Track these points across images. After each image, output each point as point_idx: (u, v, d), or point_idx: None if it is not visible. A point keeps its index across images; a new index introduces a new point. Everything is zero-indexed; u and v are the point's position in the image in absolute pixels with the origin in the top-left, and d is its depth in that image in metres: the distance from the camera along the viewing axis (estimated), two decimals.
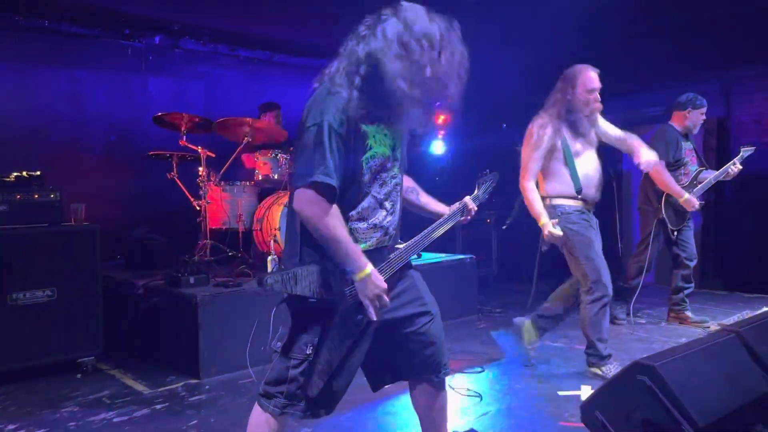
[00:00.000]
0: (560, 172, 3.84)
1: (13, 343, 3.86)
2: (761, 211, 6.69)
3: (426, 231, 2.29)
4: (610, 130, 3.98)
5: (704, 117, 5.09)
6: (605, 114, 4.01)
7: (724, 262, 6.94)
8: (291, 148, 5.50)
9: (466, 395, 3.63)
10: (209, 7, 6.18)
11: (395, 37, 1.94)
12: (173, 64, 6.72)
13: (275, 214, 4.98)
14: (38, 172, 4.19)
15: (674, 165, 4.95)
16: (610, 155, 5.29)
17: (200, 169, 5.14)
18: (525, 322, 4.18)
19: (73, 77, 6.08)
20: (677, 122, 5.07)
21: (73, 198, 4.33)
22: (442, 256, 5.83)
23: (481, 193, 2.54)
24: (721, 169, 4.97)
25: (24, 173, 4.13)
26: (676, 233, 4.99)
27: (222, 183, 5.32)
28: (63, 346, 4.06)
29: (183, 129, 5.15)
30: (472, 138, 8.29)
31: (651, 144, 4.69)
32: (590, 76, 3.79)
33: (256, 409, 2.14)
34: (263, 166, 5.39)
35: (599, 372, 3.86)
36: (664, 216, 4.90)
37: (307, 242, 2.04)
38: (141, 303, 4.68)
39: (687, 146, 5.05)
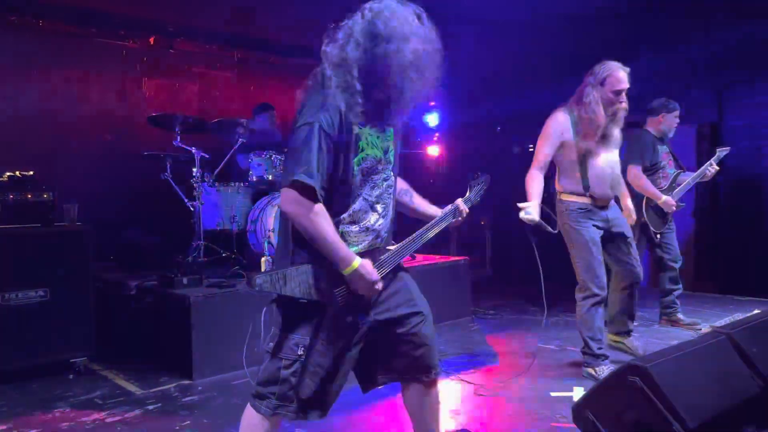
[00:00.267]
0: (571, 168, 3.86)
1: (5, 343, 3.84)
2: (754, 215, 6.73)
3: (418, 233, 2.29)
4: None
5: (678, 120, 5.13)
6: None
7: (717, 265, 6.97)
8: (285, 149, 5.51)
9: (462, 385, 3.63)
10: (204, 8, 6.18)
11: (384, 36, 1.94)
12: (168, 65, 6.71)
13: (269, 216, 4.98)
14: (31, 172, 4.18)
15: (651, 169, 4.99)
16: None
17: (194, 169, 5.14)
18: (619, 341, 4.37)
19: (67, 77, 6.06)
20: (653, 127, 5.11)
21: (66, 198, 4.32)
22: (435, 258, 5.83)
23: (473, 195, 2.54)
24: (698, 171, 5.01)
25: (17, 173, 4.11)
26: (659, 236, 5.03)
27: (216, 184, 5.31)
28: (55, 347, 4.04)
29: (177, 129, 5.14)
30: (466, 140, 8.32)
31: (628, 149, 4.74)
32: (618, 77, 3.74)
33: (249, 410, 2.15)
34: (257, 167, 5.39)
35: (593, 372, 3.87)
36: (646, 219, 4.93)
37: (298, 242, 2.04)
38: (134, 303, 4.67)
39: (663, 150, 5.09)
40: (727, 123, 6.98)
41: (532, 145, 8.28)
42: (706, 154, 6.93)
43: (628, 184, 4.85)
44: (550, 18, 6.80)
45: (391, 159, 2.18)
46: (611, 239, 3.98)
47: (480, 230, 7.71)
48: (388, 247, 2.20)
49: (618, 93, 3.75)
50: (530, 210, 3.57)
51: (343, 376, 2.13)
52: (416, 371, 2.25)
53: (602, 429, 2.27)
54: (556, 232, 3.72)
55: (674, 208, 4.89)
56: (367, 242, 2.12)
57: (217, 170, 5.31)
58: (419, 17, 2.02)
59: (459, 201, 2.44)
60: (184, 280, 4.38)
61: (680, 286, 5.19)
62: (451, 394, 3.69)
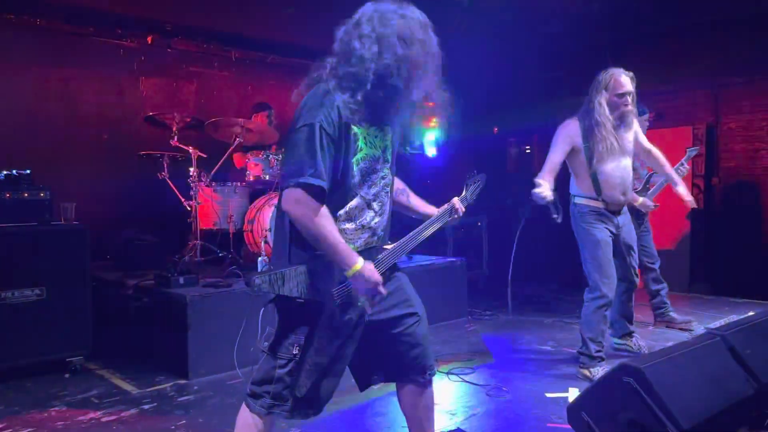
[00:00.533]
0: (583, 173, 3.96)
1: (2, 342, 3.84)
2: (748, 217, 6.76)
3: (414, 232, 2.30)
4: (640, 138, 4.11)
5: (648, 123, 5.16)
6: None
7: (712, 267, 7.00)
8: (283, 149, 5.51)
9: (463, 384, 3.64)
10: (202, 7, 6.18)
11: (385, 35, 1.95)
12: (165, 64, 6.71)
13: (266, 215, 4.98)
14: (28, 171, 4.17)
15: None
16: None
17: (191, 169, 5.14)
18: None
19: (64, 75, 6.05)
20: None
21: (63, 197, 4.32)
22: (432, 259, 5.84)
23: (469, 194, 2.55)
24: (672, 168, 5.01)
25: (14, 171, 4.11)
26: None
27: (213, 183, 5.31)
28: (51, 346, 4.04)
29: (174, 129, 5.14)
30: (463, 141, 8.33)
31: None
32: (620, 81, 3.82)
33: (244, 409, 2.15)
34: (254, 166, 5.39)
35: (588, 374, 3.89)
36: None
37: (296, 242, 2.05)
38: (130, 303, 4.67)
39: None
40: (723, 125, 7.00)
41: (528, 147, 8.33)
42: (702, 156, 6.98)
43: None
44: (545, 23, 6.82)
45: (389, 158, 2.19)
46: (617, 244, 4.06)
47: (476, 231, 7.72)
48: (384, 246, 2.21)
49: (621, 96, 3.82)
50: (543, 188, 3.72)
51: (338, 375, 2.14)
52: (411, 372, 2.27)
53: (597, 429, 2.29)
54: (560, 221, 3.74)
55: (651, 208, 4.94)
56: (362, 240, 2.13)
57: (214, 170, 5.31)
58: (422, 22, 2.03)
59: (455, 200, 2.46)
60: (181, 280, 4.38)
61: (665, 284, 5.22)
62: (447, 394, 3.70)
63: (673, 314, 5.22)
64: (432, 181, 7.92)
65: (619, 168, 3.91)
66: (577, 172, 4.01)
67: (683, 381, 2.26)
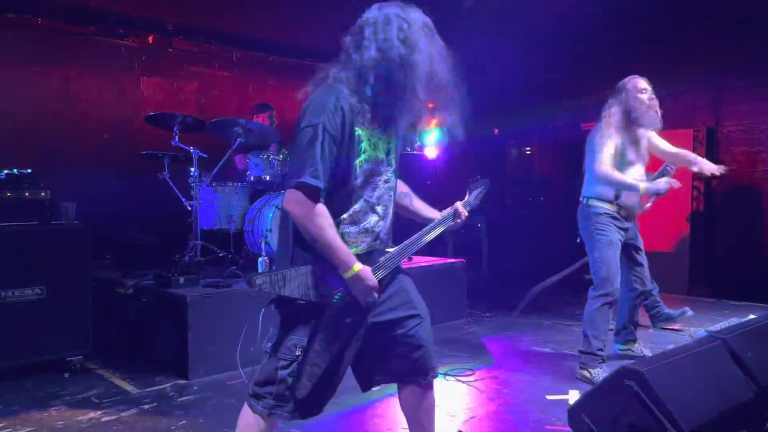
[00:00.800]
0: None
1: (1, 341, 3.84)
2: (748, 220, 6.76)
3: (416, 235, 2.29)
4: (662, 144, 4.17)
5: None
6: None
7: (712, 270, 7.00)
8: (284, 150, 5.51)
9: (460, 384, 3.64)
10: (203, 7, 6.19)
11: (390, 38, 1.97)
12: (166, 64, 6.71)
13: (266, 216, 4.98)
14: (29, 170, 4.17)
15: None
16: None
17: (192, 169, 5.13)
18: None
19: (65, 75, 6.05)
20: None
21: (64, 196, 4.31)
22: (432, 260, 5.84)
23: (473, 198, 2.53)
24: (658, 171, 4.98)
25: (15, 171, 4.11)
26: None
27: (213, 183, 5.31)
28: (51, 345, 4.04)
29: (175, 129, 5.14)
30: (463, 142, 8.32)
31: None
32: (639, 80, 4.02)
33: (245, 410, 2.15)
34: (255, 167, 5.39)
35: (588, 375, 3.89)
36: None
37: (299, 243, 2.05)
38: (130, 303, 4.66)
39: None
40: (724, 128, 7.01)
41: (528, 148, 8.34)
42: (703, 157, 6.97)
43: None
44: (548, 24, 6.82)
45: (393, 161, 2.19)
46: (626, 249, 4.12)
47: (476, 232, 7.72)
48: (387, 250, 2.21)
49: (643, 91, 3.97)
50: (661, 182, 3.87)
51: (340, 376, 2.14)
52: (413, 373, 2.26)
53: None
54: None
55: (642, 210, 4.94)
56: (365, 244, 2.13)
57: (215, 170, 5.30)
58: (425, 24, 2.05)
59: (458, 204, 2.43)
60: (181, 280, 4.38)
61: (656, 285, 5.20)
62: (447, 395, 3.69)
63: (667, 311, 5.20)
64: (432, 182, 7.93)
65: (638, 173, 4.03)
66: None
67: (684, 384, 2.26)
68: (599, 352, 3.92)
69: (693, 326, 5.16)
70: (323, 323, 2.02)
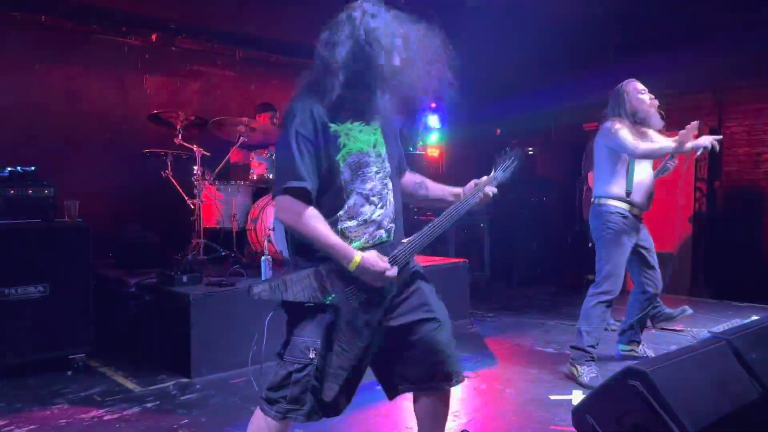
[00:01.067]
0: (619, 172, 3.99)
1: (4, 338, 3.84)
2: (751, 221, 6.76)
3: (431, 224, 2.17)
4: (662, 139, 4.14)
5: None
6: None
7: (714, 271, 7.00)
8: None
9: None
10: (207, 6, 6.18)
11: (353, 34, 2.00)
12: (169, 63, 6.71)
13: (269, 214, 4.98)
14: (32, 168, 4.17)
15: None
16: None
17: (195, 167, 5.14)
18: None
19: (68, 73, 6.05)
20: None
21: (67, 194, 4.32)
22: (435, 260, 5.84)
23: (500, 172, 2.36)
24: (658, 168, 4.98)
25: (18, 168, 4.11)
26: None
27: (216, 182, 5.31)
28: (54, 343, 4.04)
29: (178, 127, 5.14)
30: (466, 142, 8.33)
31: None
32: (636, 82, 4.04)
33: (257, 414, 2.10)
34: (258, 165, 5.39)
35: (574, 372, 3.89)
36: None
37: (299, 251, 2.08)
38: (133, 301, 4.67)
39: None
40: (726, 128, 7.00)
41: (531, 149, 8.33)
42: (705, 159, 6.97)
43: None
44: (550, 24, 6.82)
45: (382, 151, 2.16)
46: (637, 251, 4.10)
47: (478, 232, 7.72)
48: (402, 241, 2.16)
49: (643, 91, 3.99)
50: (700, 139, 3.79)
51: (360, 377, 2.11)
52: (433, 379, 2.20)
53: None
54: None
55: None
56: (368, 235, 2.09)
57: (218, 168, 5.31)
58: (397, 18, 2.07)
59: (483, 179, 2.32)
60: (184, 279, 4.38)
61: None
62: (451, 396, 3.68)
63: (667, 310, 5.19)
64: (436, 182, 7.92)
65: (647, 173, 4.06)
66: (614, 170, 4.01)
67: (688, 384, 2.25)
68: (589, 349, 3.91)
69: (695, 327, 5.15)
70: (340, 323, 1.99)
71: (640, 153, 3.84)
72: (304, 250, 2.06)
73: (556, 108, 7.90)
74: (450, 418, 3.27)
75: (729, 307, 6.29)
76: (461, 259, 5.99)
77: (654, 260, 4.21)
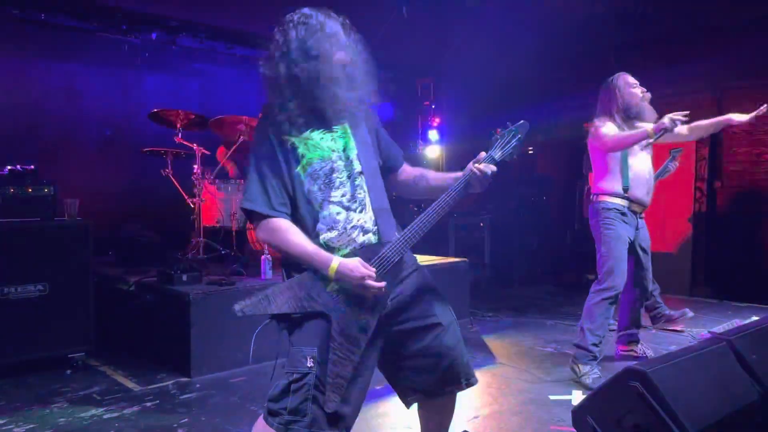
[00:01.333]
0: (614, 168, 3.97)
1: (4, 337, 3.84)
2: (751, 221, 6.75)
3: (427, 211, 2.05)
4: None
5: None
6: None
7: (714, 272, 6.99)
8: None
9: None
10: (207, 4, 6.17)
11: (289, 48, 2.02)
12: (169, 61, 6.71)
13: None
14: (32, 167, 4.17)
15: None
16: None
17: (195, 166, 5.14)
18: None
19: (68, 71, 6.06)
20: None
21: (67, 193, 4.31)
22: (435, 260, 5.83)
23: (499, 149, 2.17)
24: (659, 170, 4.97)
25: (18, 167, 4.11)
26: None
27: (216, 181, 5.31)
28: (53, 342, 4.04)
29: (178, 126, 5.14)
30: (465, 141, 8.32)
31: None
32: (626, 75, 4.02)
33: (259, 423, 2.05)
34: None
35: (577, 370, 3.86)
36: None
37: (286, 262, 2.10)
38: (133, 300, 4.66)
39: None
40: (727, 128, 6.98)
41: (531, 148, 8.32)
42: (705, 159, 6.97)
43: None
44: (551, 25, 6.81)
45: (351, 155, 2.11)
46: (633, 249, 4.07)
47: (479, 231, 7.72)
48: (394, 236, 2.10)
49: (634, 85, 3.96)
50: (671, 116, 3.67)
51: (365, 386, 2.03)
52: (445, 384, 2.16)
53: None
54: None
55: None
56: (351, 239, 2.05)
57: (218, 167, 5.30)
58: (346, 27, 2.09)
59: (481, 154, 2.16)
60: (184, 277, 4.37)
61: (657, 285, 5.20)
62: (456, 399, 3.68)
63: (668, 312, 5.19)
64: None
65: (646, 166, 4.01)
66: (608, 167, 4.00)
67: (689, 385, 2.25)
68: (593, 348, 3.86)
69: (695, 327, 5.15)
70: (335, 331, 1.95)
71: (611, 145, 3.83)
72: (288, 260, 2.06)
73: (556, 107, 7.90)
74: None
75: (729, 307, 6.28)
76: (461, 259, 5.99)
77: (648, 263, 4.19)
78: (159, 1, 6.19)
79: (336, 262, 1.95)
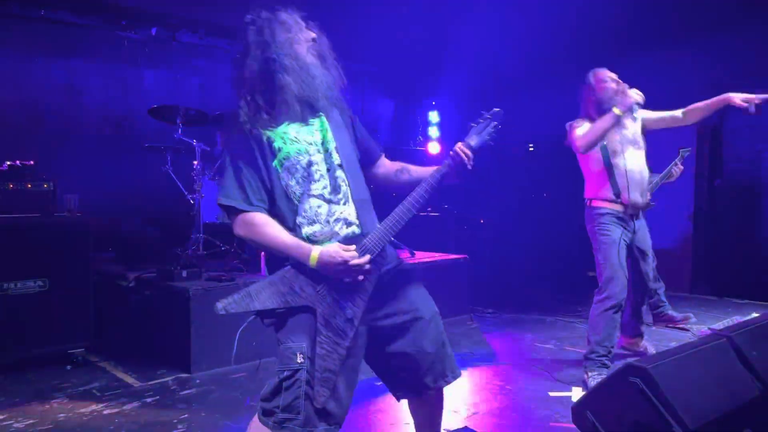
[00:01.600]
0: (599, 172, 3.89)
1: (3, 333, 3.84)
2: (751, 218, 6.74)
3: (405, 202, 2.05)
4: (653, 115, 4.02)
5: None
6: None
7: (714, 269, 6.98)
8: None
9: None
10: (207, 0, 6.16)
11: (248, 44, 2.06)
12: (170, 57, 6.69)
13: None
14: (32, 162, 4.17)
15: None
16: None
17: (195, 162, 5.13)
18: None
19: (68, 67, 6.04)
20: None
21: (67, 189, 4.31)
22: (435, 256, 5.83)
23: (476, 136, 2.16)
24: (664, 171, 4.94)
25: (18, 162, 4.11)
26: None
27: (216, 177, 5.30)
28: (53, 337, 4.04)
29: (178, 122, 5.13)
30: (464, 138, 8.29)
31: None
32: (600, 72, 3.92)
33: (254, 423, 2.04)
34: None
35: (586, 376, 3.81)
36: None
37: (268, 259, 2.11)
38: (132, 296, 4.66)
39: None
40: (728, 125, 6.98)
41: (531, 145, 8.31)
42: (706, 156, 6.96)
43: None
44: (550, 21, 6.80)
45: (330, 147, 2.11)
46: (631, 250, 3.99)
47: (480, 229, 7.71)
48: (376, 227, 2.08)
49: (605, 80, 3.85)
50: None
51: (353, 380, 2.02)
52: (429, 379, 2.15)
53: (602, 429, 2.28)
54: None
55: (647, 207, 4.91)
56: (334, 233, 2.03)
57: (218, 163, 5.30)
58: (305, 20, 2.15)
59: (457, 147, 2.14)
60: (184, 273, 4.37)
61: (662, 283, 5.18)
62: (450, 391, 3.66)
63: (671, 312, 5.18)
64: None
65: (637, 163, 3.88)
66: (595, 172, 3.92)
67: (689, 382, 2.25)
68: (599, 358, 3.76)
69: (696, 324, 5.15)
70: (320, 325, 1.93)
71: (581, 143, 3.74)
72: (273, 257, 2.04)
73: (560, 102, 7.87)
74: (450, 414, 3.29)
75: (729, 304, 6.29)
76: (461, 255, 5.98)
77: (647, 265, 4.10)
78: None
79: (316, 251, 1.93)
